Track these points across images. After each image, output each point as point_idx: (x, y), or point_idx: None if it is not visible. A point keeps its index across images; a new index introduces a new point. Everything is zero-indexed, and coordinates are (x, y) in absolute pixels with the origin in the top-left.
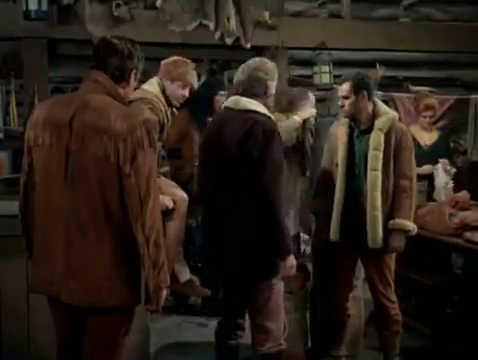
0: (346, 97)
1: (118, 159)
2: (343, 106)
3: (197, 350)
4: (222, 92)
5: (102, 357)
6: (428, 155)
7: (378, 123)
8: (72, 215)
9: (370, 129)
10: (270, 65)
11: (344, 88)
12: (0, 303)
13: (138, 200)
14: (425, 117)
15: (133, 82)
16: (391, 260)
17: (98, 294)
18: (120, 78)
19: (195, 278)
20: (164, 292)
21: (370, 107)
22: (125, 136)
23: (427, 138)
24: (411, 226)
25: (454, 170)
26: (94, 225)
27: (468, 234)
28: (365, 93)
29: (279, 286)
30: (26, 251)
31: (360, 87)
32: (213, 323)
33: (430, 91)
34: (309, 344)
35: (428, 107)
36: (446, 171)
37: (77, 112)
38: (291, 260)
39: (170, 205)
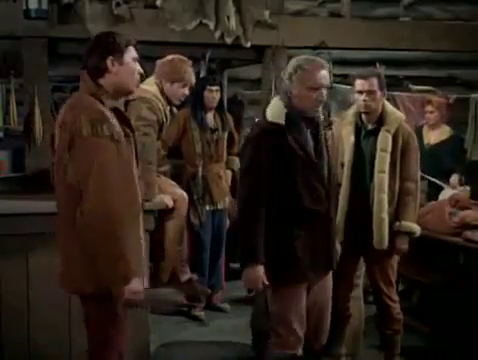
0: (373, 92)
1: (65, 149)
2: (365, 100)
3: (197, 349)
4: (214, 87)
5: (90, 345)
6: (428, 156)
7: (386, 124)
8: (58, 207)
9: (377, 129)
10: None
11: (371, 83)
12: (0, 302)
13: (77, 187)
14: (425, 113)
15: (117, 67)
16: (394, 260)
17: (76, 281)
18: (98, 71)
19: (195, 277)
20: (128, 287)
21: (381, 106)
22: (66, 125)
23: (432, 138)
24: (416, 228)
25: (462, 188)
26: (65, 214)
27: (468, 233)
28: (385, 91)
29: (287, 291)
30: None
31: (384, 84)
32: (214, 323)
33: (430, 90)
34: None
35: (428, 102)
36: (454, 189)
37: (62, 112)
38: (247, 273)
39: (170, 204)
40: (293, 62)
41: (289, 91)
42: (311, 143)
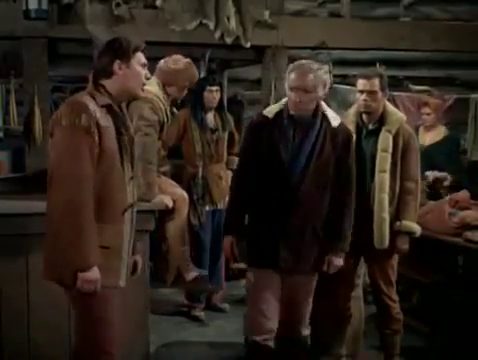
0: (374, 92)
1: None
2: (365, 100)
3: (197, 349)
4: (214, 88)
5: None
6: (423, 157)
7: (387, 124)
8: None
9: (378, 130)
10: None
11: (373, 83)
12: (0, 302)
13: (50, 174)
14: (422, 114)
15: (124, 70)
16: (394, 260)
17: (51, 269)
18: (105, 73)
19: (203, 272)
20: (81, 275)
21: (382, 106)
22: (54, 116)
23: (427, 139)
24: (417, 228)
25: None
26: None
27: (468, 233)
28: (387, 92)
29: (255, 274)
30: None
31: (385, 85)
32: (214, 323)
33: (428, 90)
34: (309, 343)
35: (424, 104)
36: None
37: None
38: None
39: (170, 205)
40: None
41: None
42: (289, 142)
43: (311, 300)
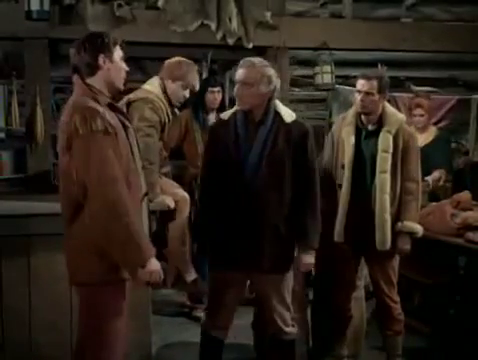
0: (371, 94)
1: (64, 149)
2: (362, 101)
3: (199, 350)
4: (216, 89)
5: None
6: None
7: (386, 125)
8: (61, 206)
9: (378, 130)
10: None
11: (371, 85)
12: (2, 303)
13: (81, 185)
14: (415, 115)
15: (108, 65)
16: (396, 261)
17: (80, 273)
18: (90, 69)
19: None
20: (144, 269)
21: (381, 107)
22: (64, 126)
23: (420, 140)
24: (419, 229)
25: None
26: (66, 211)
27: (470, 234)
28: (386, 94)
29: (211, 274)
30: None
31: (385, 87)
32: None
33: (432, 91)
34: (310, 344)
35: (417, 105)
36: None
37: (62, 116)
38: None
39: (171, 205)
40: None
41: None
42: (241, 140)
43: (288, 298)
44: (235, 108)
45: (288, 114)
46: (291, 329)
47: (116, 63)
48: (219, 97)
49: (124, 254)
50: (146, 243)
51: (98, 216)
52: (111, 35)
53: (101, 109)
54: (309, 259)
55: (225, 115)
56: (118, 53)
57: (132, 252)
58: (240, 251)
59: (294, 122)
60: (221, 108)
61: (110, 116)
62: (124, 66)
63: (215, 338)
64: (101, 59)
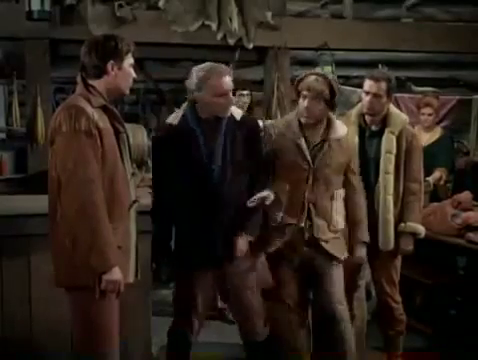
0: (378, 95)
1: (49, 144)
2: (371, 102)
3: (199, 350)
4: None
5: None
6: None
7: (390, 125)
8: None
9: (381, 131)
10: None
11: (379, 87)
12: (1, 304)
13: (55, 182)
14: (423, 114)
15: (116, 71)
16: (398, 261)
17: (65, 274)
18: (96, 72)
19: None
20: (106, 277)
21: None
22: (51, 122)
23: (425, 139)
24: (421, 229)
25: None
26: (50, 209)
27: (470, 235)
28: (392, 96)
29: (177, 275)
30: None
31: (392, 89)
32: (215, 324)
33: (433, 91)
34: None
35: (426, 104)
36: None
37: None
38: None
39: None
40: None
41: None
42: (201, 145)
43: (258, 297)
44: (181, 111)
45: (237, 112)
46: (264, 331)
47: (124, 70)
48: None
49: (86, 259)
50: (111, 251)
51: (66, 216)
52: (125, 41)
53: (90, 110)
54: (241, 245)
55: (173, 119)
56: (129, 60)
57: (94, 258)
58: (215, 252)
59: (243, 118)
60: None
61: (100, 119)
62: (132, 73)
63: (183, 336)
64: (110, 65)
